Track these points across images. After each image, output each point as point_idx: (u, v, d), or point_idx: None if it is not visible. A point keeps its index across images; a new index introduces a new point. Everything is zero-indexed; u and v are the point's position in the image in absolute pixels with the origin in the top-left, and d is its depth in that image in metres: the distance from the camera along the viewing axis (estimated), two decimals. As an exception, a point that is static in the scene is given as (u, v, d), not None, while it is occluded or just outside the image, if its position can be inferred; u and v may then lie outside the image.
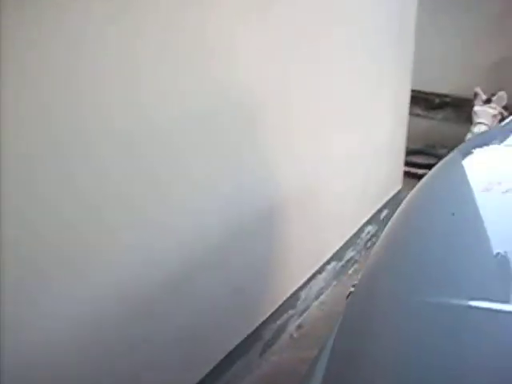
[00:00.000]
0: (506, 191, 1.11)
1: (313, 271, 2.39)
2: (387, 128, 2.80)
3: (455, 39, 3.61)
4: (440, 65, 3.63)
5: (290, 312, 2.29)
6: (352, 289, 1.18)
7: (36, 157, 1.14)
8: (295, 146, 2.04)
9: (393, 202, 2.97)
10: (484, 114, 3.32)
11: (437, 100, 3.80)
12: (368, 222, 2.78)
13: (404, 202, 1.34)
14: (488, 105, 3.36)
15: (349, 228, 2.64)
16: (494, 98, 3.35)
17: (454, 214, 1.06)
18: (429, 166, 3.50)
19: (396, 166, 3.02)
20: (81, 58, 1.19)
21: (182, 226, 1.59)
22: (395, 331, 0.90)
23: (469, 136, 3.36)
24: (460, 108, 3.66)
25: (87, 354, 1.37)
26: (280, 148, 1.95)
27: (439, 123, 3.81)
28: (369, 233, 2.81)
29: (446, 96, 3.77)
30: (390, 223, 1.27)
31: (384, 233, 1.21)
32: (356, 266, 2.75)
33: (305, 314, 2.41)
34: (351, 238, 2.65)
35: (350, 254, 2.68)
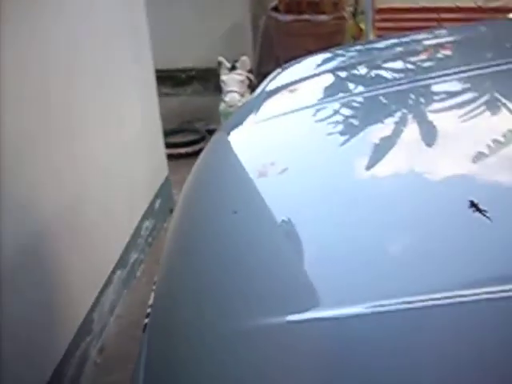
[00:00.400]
0: (282, 171, 1.03)
1: (100, 287, 2.18)
2: (139, 117, 2.65)
3: (189, 11, 3.56)
4: (179, 40, 3.56)
5: (88, 338, 2.07)
6: (146, 320, 1.02)
7: None
8: (51, 166, 1.79)
9: (164, 190, 2.85)
10: (232, 82, 3.34)
11: (183, 75, 3.74)
12: (144, 218, 2.64)
13: (181, 200, 1.21)
14: (234, 72, 3.38)
15: (126, 230, 2.47)
16: (237, 65, 3.38)
17: (236, 212, 0.95)
18: (191, 143, 3.48)
19: (157, 152, 2.90)
20: None
21: None
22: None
23: (222, 106, 3.36)
24: (207, 79, 3.65)
25: None
26: (32, 169, 1.69)
27: (190, 98, 3.77)
28: (147, 229, 2.67)
29: (191, 70, 3.72)
30: (172, 227, 1.14)
31: (169, 241, 1.08)
32: (143, 266, 2.59)
33: (103, 335, 2.20)
34: (131, 240, 2.48)
35: (133, 256, 2.51)
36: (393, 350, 0.65)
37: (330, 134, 1.23)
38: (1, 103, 1.53)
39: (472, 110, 1.15)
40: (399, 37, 1.91)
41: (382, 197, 0.89)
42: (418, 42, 1.80)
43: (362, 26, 3.80)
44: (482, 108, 1.16)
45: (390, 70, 1.56)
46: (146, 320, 1.00)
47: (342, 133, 1.23)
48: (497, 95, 1.20)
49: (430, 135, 1.07)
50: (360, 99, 1.36)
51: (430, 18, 3.41)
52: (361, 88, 1.45)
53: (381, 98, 1.32)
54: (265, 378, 0.69)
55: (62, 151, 1.89)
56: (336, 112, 1.31)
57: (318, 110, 1.33)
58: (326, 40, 3.43)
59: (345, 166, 1.05)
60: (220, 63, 3.40)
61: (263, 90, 1.68)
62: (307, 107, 1.33)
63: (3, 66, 1.54)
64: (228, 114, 3.21)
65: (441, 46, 1.72)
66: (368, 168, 1.04)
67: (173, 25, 3.50)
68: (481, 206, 0.79)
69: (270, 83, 1.70)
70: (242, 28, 3.63)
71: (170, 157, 3.05)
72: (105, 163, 2.24)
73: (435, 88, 1.31)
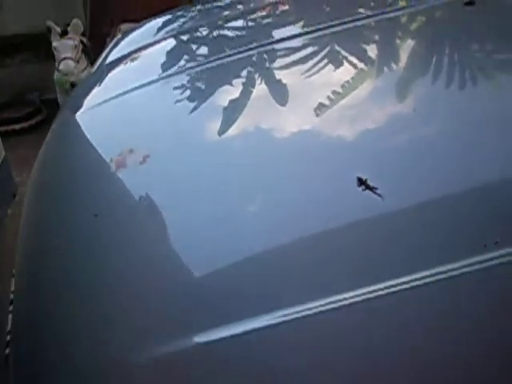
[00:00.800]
0: (144, 160, 0.92)
1: None
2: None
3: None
4: (2, 3, 3.22)
5: None
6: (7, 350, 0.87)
7: None
8: None
9: (2, 173, 2.59)
10: (65, 48, 3.07)
11: (9, 43, 3.39)
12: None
13: (29, 200, 1.06)
14: (66, 37, 3.10)
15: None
16: (69, 29, 3.11)
17: (96, 216, 0.83)
18: (26, 118, 3.20)
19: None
20: None
21: None
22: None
23: (57, 74, 3.11)
24: (38, 47, 3.34)
25: None
26: None
27: (19, 67, 3.45)
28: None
29: (18, 36, 3.38)
30: (22, 238, 0.99)
31: (22, 257, 0.94)
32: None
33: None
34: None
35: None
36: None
37: (184, 108, 1.14)
38: None
39: (315, 66, 1.14)
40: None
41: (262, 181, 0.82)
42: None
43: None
44: (324, 63, 1.15)
45: (232, 31, 1.51)
46: (7, 351, 0.85)
47: (195, 106, 1.15)
48: (339, 50, 1.20)
49: (280, 94, 1.05)
50: (206, 67, 1.28)
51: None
52: (205, 54, 1.38)
53: (226, 63, 1.26)
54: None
55: None
56: (184, 84, 1.23)
57: (166, 83, 1.23)
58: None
59: (209, 145, 0.97)
60: (50, 28, 3.10)
61: (104, 60, 1.54)
62: (154, 81, 1.23)
63: None
64: (64, 83, 2.98)
65: (281, 2, 1.68)
66: (232, 144, 0.98)
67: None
68: (370, 183, 0.73)
69: (112, 52, 1.56)
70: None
71: (4, 135, 2.76)
72: None
73: (278, 47, 1.28)
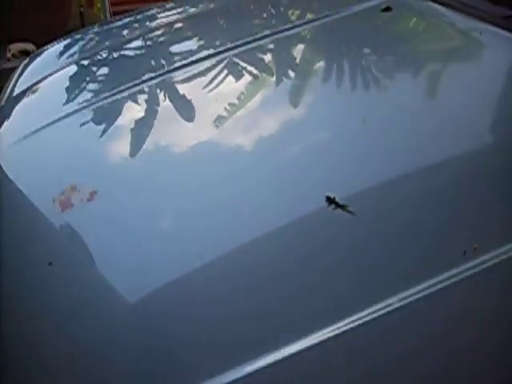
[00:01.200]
0: (91, 196, 0.86)
1: None
2: None
3: None
4: None
5: None
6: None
7: None
8: None
9: None
10: None
11: None
12: None
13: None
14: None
15: None
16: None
17: (51, 264, 0.78)
18: None
19: None
20: None
21: None
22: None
23: None
24: None
25: None
26: None
27: None
28: None
29: None
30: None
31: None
32: None
33: None
34: None
35: None
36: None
37: (108, 137, 1.10)
38: None
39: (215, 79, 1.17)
40: (137, 14, 1.81)
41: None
42: (155, 18, 1.72)
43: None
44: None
45: (132, 58, 1.46)
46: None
47: (112, 134, 1.11)
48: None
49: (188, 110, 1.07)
50: (112, 99, 1.22)
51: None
52: (110, 83, 1.32)
53: (129, 94, 1.21)
54: None
55: None
56: (93, 117, 1.18)
57: (77, 117, 1.17)
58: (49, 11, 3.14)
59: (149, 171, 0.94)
60: None
61: (12, 90, 1.47)
62: (66, 116, 1.16)
63: None
64: None
65: (180, 20, 1.66)
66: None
67: None
68: (339, 201, 0.70)
69: (20, 80, 1.50)
70: None
71: None
72: None
73: (179, 75, 1.25)
